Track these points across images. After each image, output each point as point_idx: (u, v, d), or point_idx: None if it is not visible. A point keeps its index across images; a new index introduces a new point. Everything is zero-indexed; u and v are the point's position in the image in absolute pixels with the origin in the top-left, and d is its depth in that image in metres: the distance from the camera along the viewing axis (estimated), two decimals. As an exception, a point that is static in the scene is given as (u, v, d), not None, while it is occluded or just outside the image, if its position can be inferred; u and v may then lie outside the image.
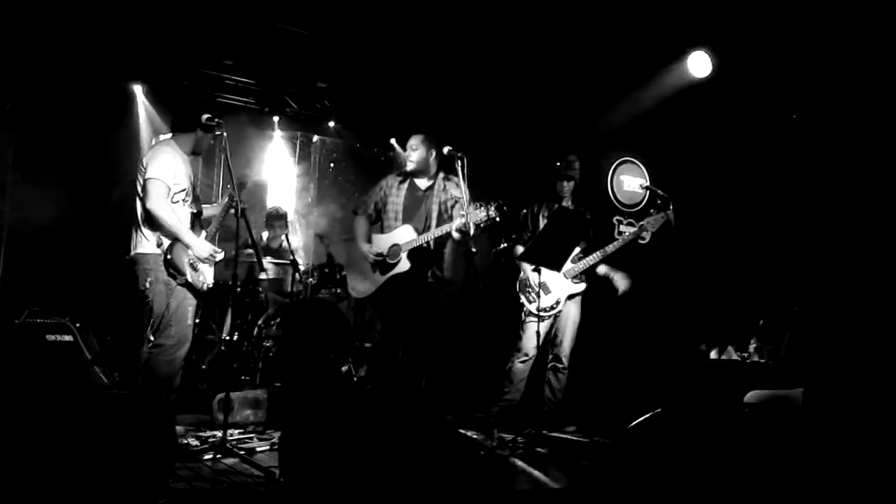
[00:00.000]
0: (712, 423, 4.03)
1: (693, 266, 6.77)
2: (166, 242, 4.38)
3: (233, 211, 4.42)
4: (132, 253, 4.49)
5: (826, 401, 4.65)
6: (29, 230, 6.48)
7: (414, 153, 5.18)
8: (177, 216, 4.40)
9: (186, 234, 4.42)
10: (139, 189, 4.44)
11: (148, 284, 4.38)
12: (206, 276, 4.56)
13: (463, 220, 4.70)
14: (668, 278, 6.88)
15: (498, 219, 4.71)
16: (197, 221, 4.60)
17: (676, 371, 6.36)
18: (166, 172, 4.38)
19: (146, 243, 4.41)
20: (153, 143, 4.74)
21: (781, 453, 3.74)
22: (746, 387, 5.29)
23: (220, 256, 4.60)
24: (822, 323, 5.83)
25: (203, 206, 4.75)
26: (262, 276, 6.68)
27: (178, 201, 4.46)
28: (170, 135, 4.69)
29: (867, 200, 6.15)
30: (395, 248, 5.07)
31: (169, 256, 4.35)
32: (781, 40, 6.09)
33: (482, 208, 4.70)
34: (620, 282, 5.52)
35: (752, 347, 6.01)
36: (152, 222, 4.39)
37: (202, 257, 4.48)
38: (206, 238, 4.58)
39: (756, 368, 5.86)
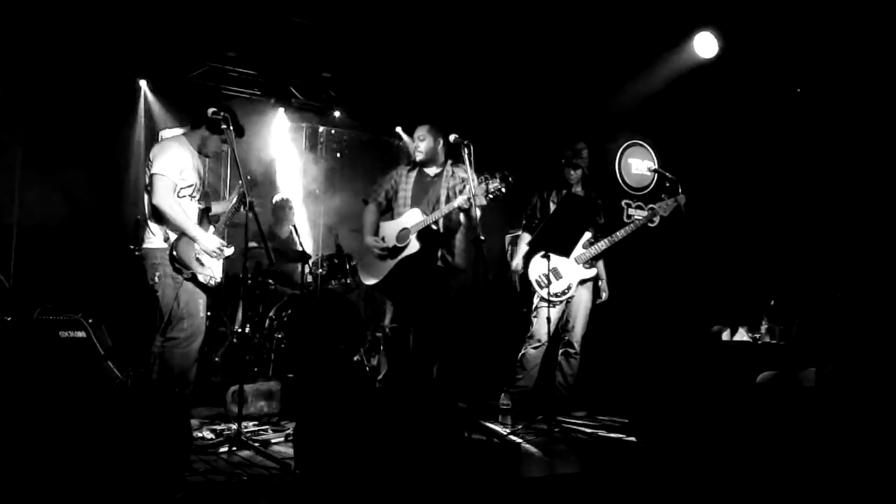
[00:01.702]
0: (725, 404, 4.03)
1: (703, 248, 6.75)
2: (173, 237, 4.39)
3: (243, 210, 4.43)
4: (141, 248, 4.51)
5: (838, 380, 4.64)
6: (39, 227, 6.50)
7: (422, 143, 5.25)
8: (183, 211, 4.41)
9: (192, 227, 4.43)
10: (145, 184, 4.45)
11: (157, 279, 4.39)
12: (213, 271, 4.56)
13: (467, 196, 4.80)
14: (679, 260, 6.86)
15: (504, 189, 4.79)
16: (205, 217, 4.61)
17: (688, 354, 6.36)
18: (172, 168, 4.38)
19: (153, 238, 4.43)
20: (160, 138, 4.74)
21: (794, 434, 3.74)
22: (758, 368, 5.29)
23: (228, 251, 4.61)
24: (835, 303, 5.80)
25: (211, 202, 4.76)
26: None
27: (184, 196, 4.46)
28: (180, 130, 4.70)
29: (879, 180, 6.11)
30: (404, 232, 5.12)
31: (174, 252, 4.37)
32: (786, 18, 6.04)
33: (488, 180, 4.77)
34: (604, 292, 5.61)
35: (763, 328, 5.99)
36: (159, 217, 4.40)
37: (209, 251, 4.49)
38: (214, 234, 4.59)
39: (768, 349, 5.85)
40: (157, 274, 4.40)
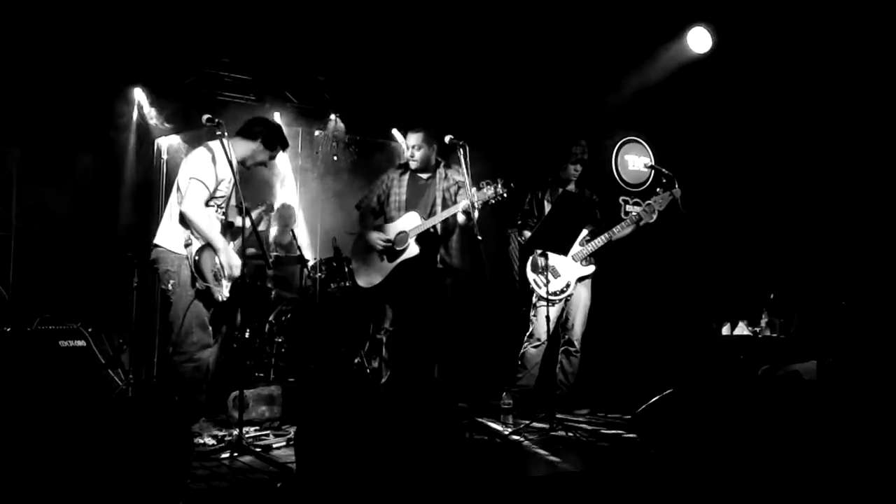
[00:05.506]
0: (726, 399, 4.03)
1: (701, 243, 6.75)
2: (196, 244, 4.35)
3: (262, 227, 4.38)
4: (156, 245, 4.44)
5: (840, 372, 4.64)
6: (37, 238, 6.51)
7: (418, 152, 5.23)
8: (209, 220, 4.38)
9: (218, 238, 4.40)
10: (177, 186, 4.42)
11: (170, 287, 4.34)
12: (223, 289, 4.53)
13: (468, 202, 4.75)
14: (678, 255, 6.86)
15: (505, 195, 4.80)
16: (228, 231, 4.58)
17: (689, 349, 6.35)
18: (210, 176, 4.35)
19: (172, 240, 4.37)
20: (193, 145, 4.69)
21: (797, 426, 3.73)
22: (759, 361, 5.30)
23: (237, 273, 4.56)
24: (835, 295, 5.80)
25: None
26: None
27: (212, 206, 4.44)
28: (218, 141, 4.63)
29: (876, 174, 6.12)
30: (402, 235, 5.11)
31: (198, 258, 4.32)
32: (779, 12, 6.05)
33: (489, 186, 4.76)
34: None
35: (763, 322, 5.99)
36: (186, 221, 4.37)
37: (228, 265, 4.44)
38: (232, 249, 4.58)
39: (768, 342, 5.85)
40: (172, 282, 4.34)
